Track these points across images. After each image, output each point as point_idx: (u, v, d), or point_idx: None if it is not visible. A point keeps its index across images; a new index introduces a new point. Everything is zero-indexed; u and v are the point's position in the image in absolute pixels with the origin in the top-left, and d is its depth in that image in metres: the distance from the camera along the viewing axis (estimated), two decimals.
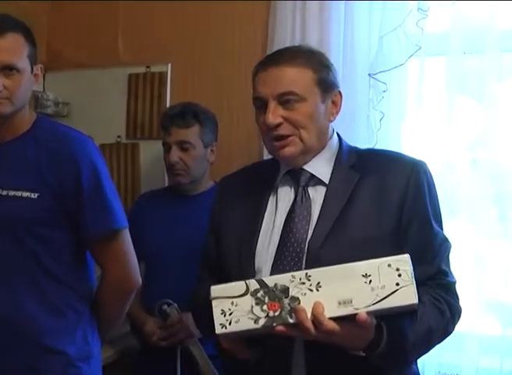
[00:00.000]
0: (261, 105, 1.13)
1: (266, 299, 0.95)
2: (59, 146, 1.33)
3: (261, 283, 0.96)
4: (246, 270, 1.11)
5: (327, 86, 1.14)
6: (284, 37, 1.92)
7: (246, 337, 1.02)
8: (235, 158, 2.01)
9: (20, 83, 1.30)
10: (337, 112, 1.17)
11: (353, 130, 1.84)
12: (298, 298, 0.94)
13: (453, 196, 1.76)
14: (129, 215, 1.72)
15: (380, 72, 1.82)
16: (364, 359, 1.01)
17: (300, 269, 1.05)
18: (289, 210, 1.13)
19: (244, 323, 0.95)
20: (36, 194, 1.29)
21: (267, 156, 1.80)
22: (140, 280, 1.42)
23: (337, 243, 1.07)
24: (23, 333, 1.30)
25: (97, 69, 2.24)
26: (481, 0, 1.73)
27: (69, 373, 1.34)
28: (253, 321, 0.95)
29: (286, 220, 1.13)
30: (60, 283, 1.34)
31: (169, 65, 2.18)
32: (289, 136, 1.12)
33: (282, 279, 0.96)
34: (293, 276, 0.95)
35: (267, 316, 0.94)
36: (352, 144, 1.25)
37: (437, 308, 1.07)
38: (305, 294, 0.94)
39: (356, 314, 0.92)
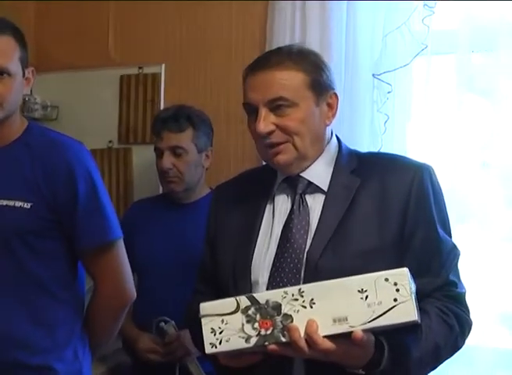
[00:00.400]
0: (251, 111, 1.10)
1: (258, 317, 0.92)
2: (54, 154, 1.31)
3: (252, 299, 0.93)
4: (241, 283, 1.08)
5: (321, 88, 1.10)
6: (283, 37, 1.88)
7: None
8: (233, 163, 2.00)
9: (11, 88, 1.28)
10: (333, 115, 1.13)
11: (357, 134, 1.81)
12: (291, 316, 0.91)
13: (462, 201, 1.72)
14: (120, 224, 1.73)
15: (384, 72, 1.78)
16: None
17: (298, 281, 1.03)
18: (287, 220, 1.10)
19: (235, 342, 0.93)
20: (29, 204, 1.27)
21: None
22: (134, 293, 1.40)
23: (337, 254, 1.04)
24: (10, 348, 1.27)
25: (87, 70, 2.20)
26: None
27: None
28: (244, 340, 0.92)
29: (283, 230, 1.09)
30: (51, 297, 1.32)
31: (163, 65, 2.15)
32: (282, 143, 1.08)
33: (274, 295, 0.93)
34: (286, 292, 0.92)
35: (258, 334, 0.92)
36: (355, 148, 1.22)
37: (444, 322, 1.03)
38: (298, 311, 0.91)
39: (352, 332, 0.89)
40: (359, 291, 0.90)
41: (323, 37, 1.84)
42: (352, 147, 1.20)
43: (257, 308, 0.92)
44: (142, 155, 2.13)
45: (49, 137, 1.36)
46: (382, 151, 1.76)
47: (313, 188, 1.11)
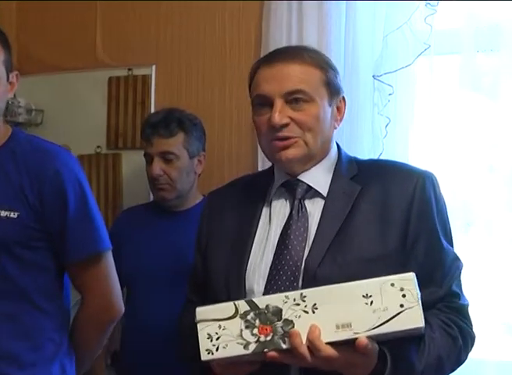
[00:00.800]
0: (263, 103, 1.09)
1: (257, 322, 0.90)
2: (41, 162, 1.29)
3: (252, 304, 0.91)
4: (235, 291, 1.06)
5: (334, 89, 1.12)
6: (280, 38, 1.87)
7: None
8: (227, 169, 1.97)
9: None
10: (341, 120, 1.15)
11: (357, 138, 1.79)
12: (292, 321, 0.90)
13: (468, 207, 1.70)
14: (109, 233, 1.75)
15: (385, 73, 1.75)
16: None
17: (296, 289, 1.01)
18: (285, 225, 1.09)
19: (233, 349, 0.91)
20: (16, 214, 1.25)
21: (263, 166, 1.70)
22: (123, 307, 1.38)
23: (336, 262, 1.03)
24: None
25: (73, 72, 2.17)
26: None
27: None
28: (242, 346, 0.90)
29: (280, 237, 1.08)
30: (37, 309, 1.29)
31: (154, 67, 2.12)
32: (293, 138, 1.08)
33: (275, 300, 0.91)
34: (287, 297, 0.91)
35: (257, 340, 0.90)
36: (355, 153, 1.22)
37: (448, 334, 1.02)
38: (300, 316, 0.90)
39: (355, 339, 0.88)
40: (364, 296, 0.88)
41: (321, 37, 1.82)
42: (352, 151, 1.20)
43: (256, 313, 0.91)
44: (132, 161, 2.10)
45: (36, 145, 1.33)
46: (384, 155, 1.74)
47: (312, 193, 1.11)
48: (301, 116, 1.06)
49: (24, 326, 1.27)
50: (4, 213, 1.24)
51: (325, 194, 1.09)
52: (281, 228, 1.08)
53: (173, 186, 1.73)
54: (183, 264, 1.43)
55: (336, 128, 1.13)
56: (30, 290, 1.28)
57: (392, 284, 0.88)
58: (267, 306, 0.90)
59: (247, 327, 0.90)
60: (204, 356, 0.91)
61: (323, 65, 1.10)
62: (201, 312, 0.93)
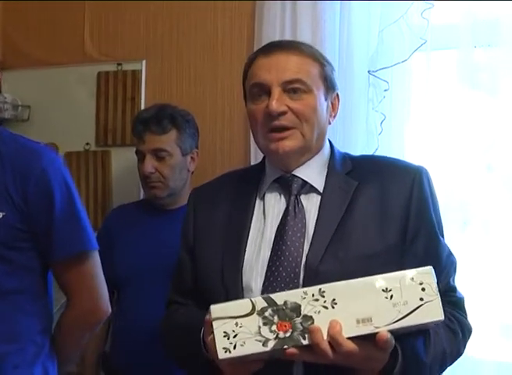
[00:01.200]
0: (259, 92, 1.08)
1: (275, 319, 0.90)
2: (27, 161, 1.28)
3: (269, 300, 0.91)
4: (231, 288, 1.05)
5: (331, 84, 1.13)
6: (273, 31, 1.85)
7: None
8: (220, 165, 1.95)
9: None
10: (334, 116, 1.16)
11: (351, 135, 1.77)
12: (312, 317, 0.89)
13: (465, 206, 1.67)
14: (100, 232, 1.77)
15: (381, 69, 1.73)
16: None
17: (296, 286, 1.02)
18: (281, 221, 1.08)
19: (251, 347, 0.89)
20: (1, 214, 1.24)
21: (256, 162, 1.67)
22: (109, 308, 1.37)
23: (337, 257, 1.03)
24: None
25: (61, 66, 2.15)
26: None
27: None
28: (261, 343, 0.89)
29: (277, 233, 1.07)
30: (22, 312, 1.28)
31: (144, 62, 2.10)
32: (290, 128, 1.08)
33: (293, 295, 0.91)
34: (305, 293, 0.90)
35: (276, 337, 0.89)
36: (350, 150, 1.22)
37: (449, 329, 1.04)
38: (319, 312, 0.90)
39: (375, 333, 0.88)
40: (383, 290, 0.89)
41: (315, 31, 1.80)
42: (346, 148, 1.21)
43: (274, 309, 0.90)
44: (121, 158, 2.09)
45: (21, 144, 1.32)
46: (379, 152, 1.72)
47: (307, 188, 1.10)
48: (299, 105, 1.06)
49: (8, 328, 1.25)
50: None
51: (320, 190, 1.09)
52: (277, 224, 1.07)
53: (165, 184, 1.72)
54: (174, 263, 1.38)
55: (330, 124, 1.14)
56: (15, 291, 1.26)
57: (412, 278, 0.89)
58: (285, 302, 0.90)
59: (265, 324, 0.89)
60: (222, 355, 0.89)
61: (320, 59, 1.11)
62: (216, 309, 0.91)
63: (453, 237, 1.53)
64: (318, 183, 1.10)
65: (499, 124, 1.66)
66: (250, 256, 1.07)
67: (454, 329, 1.05)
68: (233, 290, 1.05)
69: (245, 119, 1.91)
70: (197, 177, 1.79)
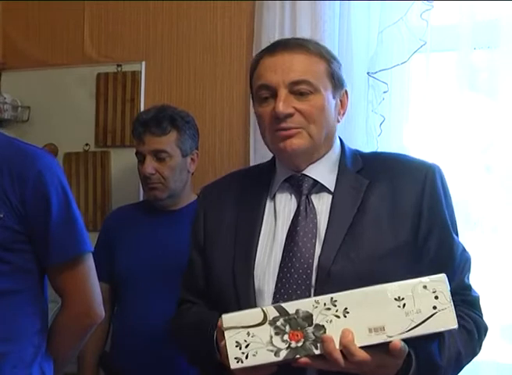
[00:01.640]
0: (266, 93, 1.07)
1: (287, 328, 0.90)
2: (23, 164, 1.27)
3: (281, 309, 0.90)
4: (244, 291, 1.04)
5: (338, 81, 1.11)
6: (273, 31, 1.85)
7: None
8: (219, 167, 1.95)
9: None
10: (344, 114, 1.14)
11: (351, 136, 1.76)
12: (323, 326, 0.89)
13: (465, 207, 1.66)
14: (99, 233, 1.67)
15: (380, 70, 1.73)
16: None
17: (308, 287, 1.01)
18: (293, 222, 1.07)
19: (263, 356, 0.90)
20: None
21: (255, 163, 1.68)
22: (103, 312, 1.36)
23: (349, 258, 1.02)
24: None
25: (61, 67, 2.14)
26: None
27: None
28: (273, 353, 0.89)
29: (289, 233, 1.06)
30: (19, 313, 1.27)
31: (143, 63, 2.09)
32: (297, 128, 1.06)
33: (305, 304, 0.91)
34: (317, 302, 0.90)
35: (289, 347, 0.89)
36: None
37: (465, 329, 1.03)
38: (331, 321, 0.89)
39: (389, 342, 0.88)
40: (396, 298, 0.88)
41: (314, 32, 1.80)
42: None
43: (286, 318, 0.90)
44: (121, 159, 2.08)
45: (17, 147, 1.32)
46: None
47: (318, 188, 1.09)
48: (306, 106, 1.05)
49: (7, 329, 1.25)
50: None
51: (332, 189, 1.08)
52: (288, 224, 1.06)
53: (166, 185, 1.71)
54: (174, 265, 1.41)
55: (339, 122, 1.12)
56: (14, 292, 1.26)
57: (425, 287, 0.88)
58: (297, 311, 0.89)
59: (276, 334, 0.89)
60: (234, 365, 0.90)
61: (327, 56, 1.09)
62: (228, 319, 0.91)
63: None
64: (329, 182, 1.09)
65: (498, 125, 1.66)
66: (262, 258, 1.06)
67: (470, 329, 1.03)
68: (245, 293, 1.04)
69: (245, 120, 1.92)
70: (197, 178, 1.80)
